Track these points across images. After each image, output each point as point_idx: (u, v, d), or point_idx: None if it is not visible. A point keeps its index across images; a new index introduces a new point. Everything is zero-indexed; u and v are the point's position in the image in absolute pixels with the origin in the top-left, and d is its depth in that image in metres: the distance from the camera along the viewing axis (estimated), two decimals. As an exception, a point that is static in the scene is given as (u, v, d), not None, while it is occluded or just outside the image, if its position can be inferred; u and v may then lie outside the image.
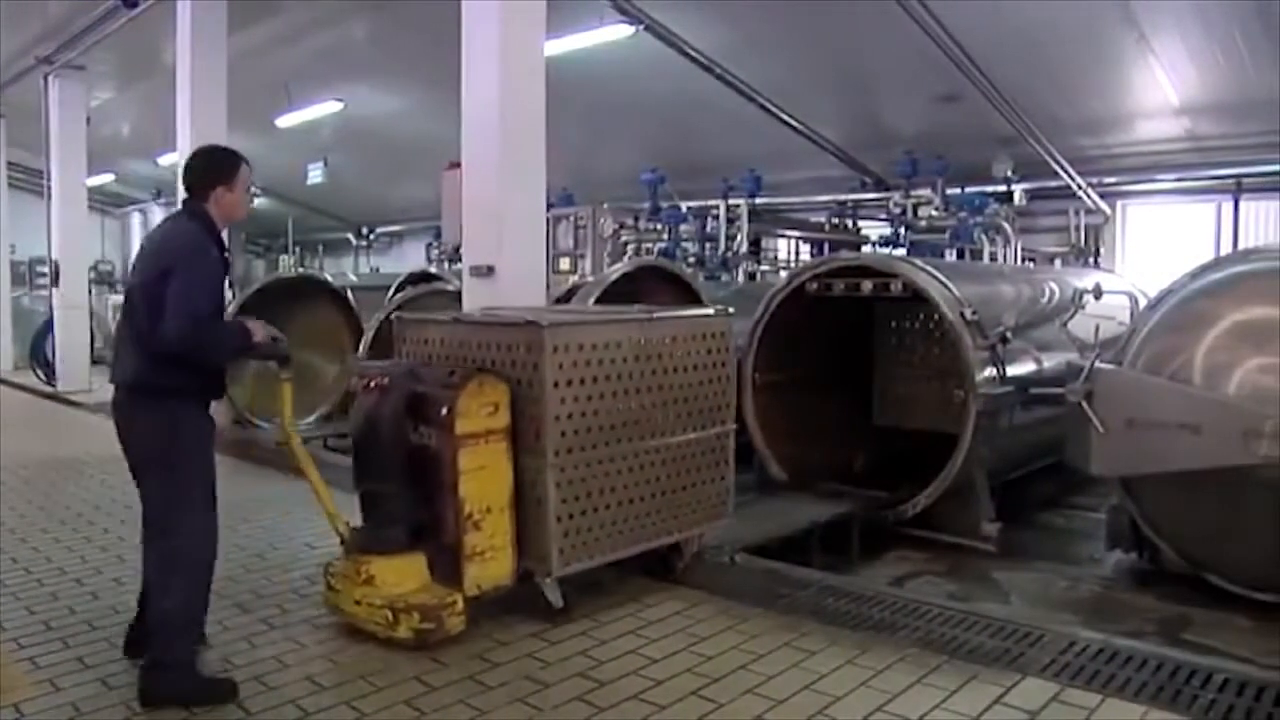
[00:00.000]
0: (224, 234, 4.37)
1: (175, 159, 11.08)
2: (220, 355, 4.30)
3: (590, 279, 7.96)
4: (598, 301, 6.71)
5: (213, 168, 4.25)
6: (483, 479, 4.51)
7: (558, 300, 7.02)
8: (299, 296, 11.29)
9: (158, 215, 22.62)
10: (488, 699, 3.93)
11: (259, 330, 4.24)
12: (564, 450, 4.60)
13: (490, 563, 4.57)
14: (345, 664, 4.28)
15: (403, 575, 4.51)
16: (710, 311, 5.56)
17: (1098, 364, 5.73)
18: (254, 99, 14.88)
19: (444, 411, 4.45)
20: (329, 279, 12.36)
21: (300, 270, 22.39)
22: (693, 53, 12.29)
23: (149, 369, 4.00)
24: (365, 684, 4.06)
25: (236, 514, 6.81)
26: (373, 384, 4.74)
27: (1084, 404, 5.59)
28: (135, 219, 23.83)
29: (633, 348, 4.89)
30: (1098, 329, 6.59)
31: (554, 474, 4.56)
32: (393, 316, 5.90)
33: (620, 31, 11.53)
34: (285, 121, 17.37)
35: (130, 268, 4.20)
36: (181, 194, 4.26)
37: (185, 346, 3.91)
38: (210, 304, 4.06)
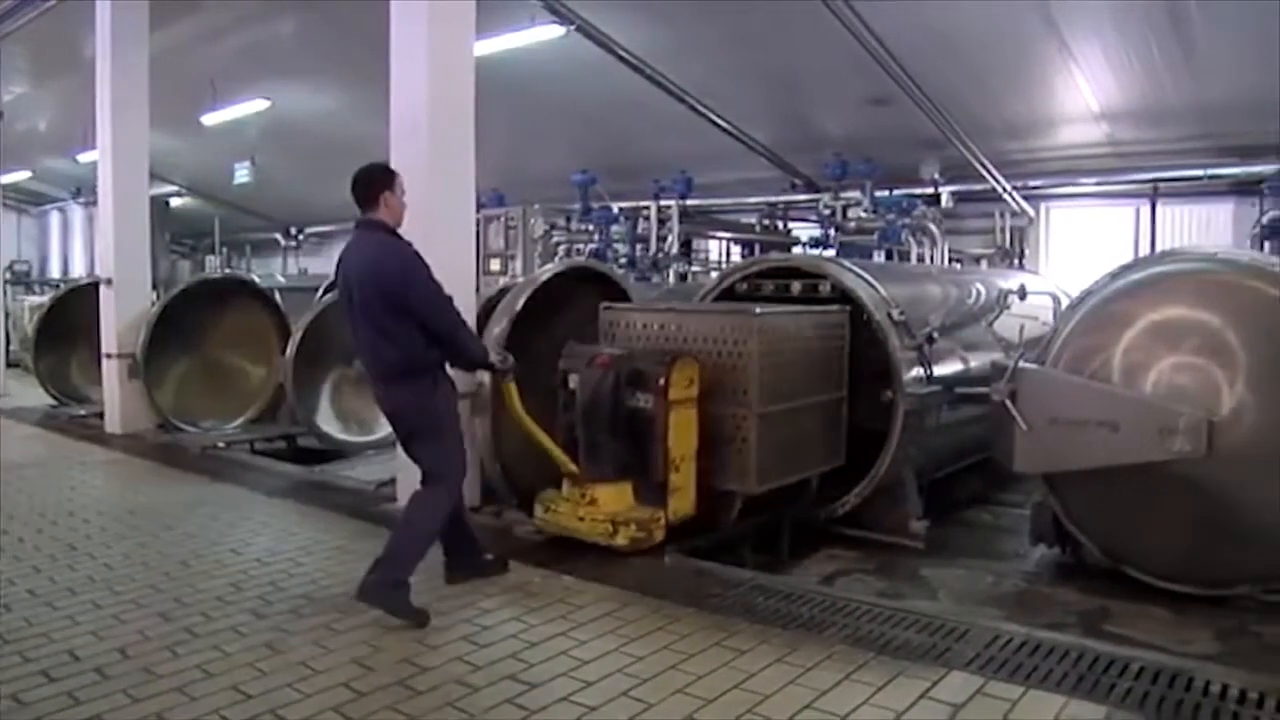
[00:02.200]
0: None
1: (95, 157, 10.83)
2: (469, 345, 5.20)
3: (520, 280, 7.90)
4: (527, 302, 6.67)
5: (374, 179, 5.08)
6: (682, 433, 5.85)
7: (488, 302, 6.96)
8: (225, 298, 11.12)
9: (78, 214, 22.16)
10: (417, 704, 3.88)
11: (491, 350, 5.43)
12: (762, 402, 5.96)
13: (683, 498, 5.90)
14: (271, 672, 4.19)
15: (617, 499, 5.79)
16: (835, 308, 6.83)
17: (1021, 363, 5.83)
18: (178, 96, 14.59)
19: (661, 381, 5.74)
20: (255, 280, 12.16)
21: (227, 271, 22.00)
22: (624, 54, 12.31)
23: (407, 355, 4.91)
24: (292, 691, 3.99)
25: (159, 520, 6.68)
26: (597, 362, 5.88)
27: (1008, 403, 5.69)
28: (54, 218, 23.24)
29: (796, 331, 6.36)
30: (1022, 329, 6.71)
31: (756, 419, 5.94)
32: (605, 306, 6.90)
33: (551, 32, 11.51)
34: (211, 119, 17.04)
35: (345, 280, 5.05)
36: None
37: (454, 331, 4.99)
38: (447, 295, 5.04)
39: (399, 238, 5.06)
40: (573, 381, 5.96)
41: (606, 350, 6.05)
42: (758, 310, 6.12)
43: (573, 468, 5.85)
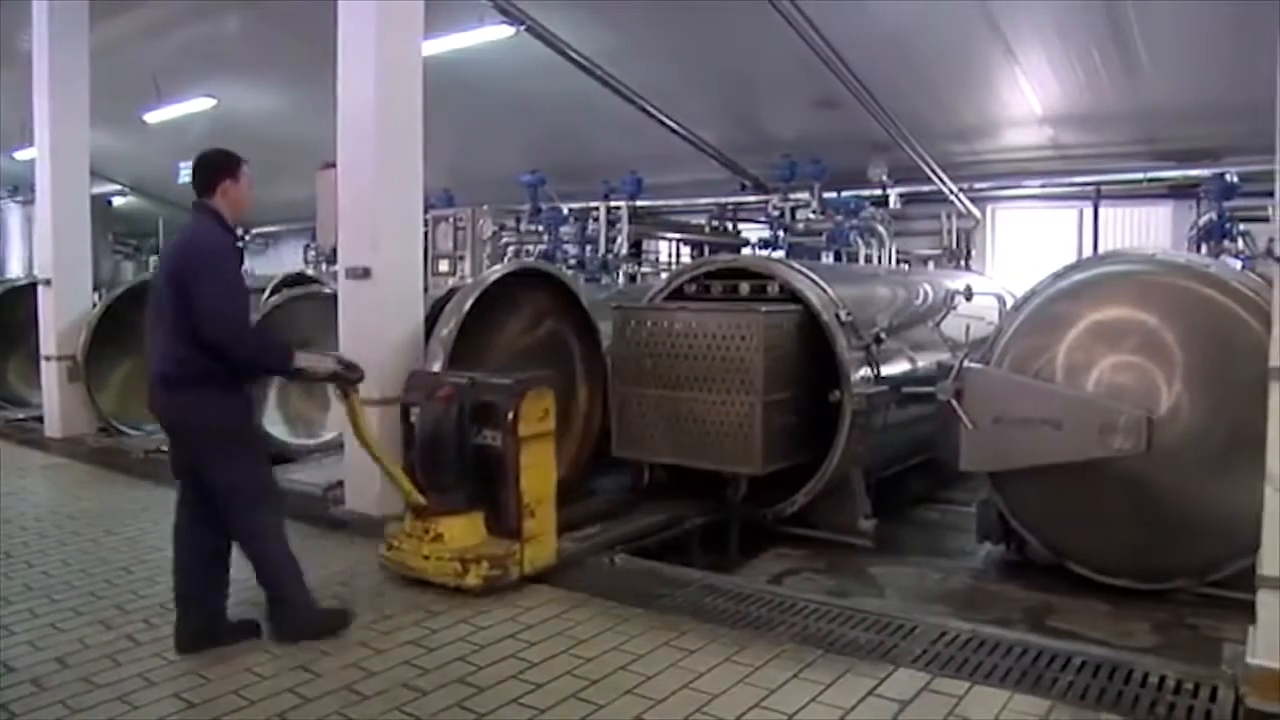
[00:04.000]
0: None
1: (33, 154, 10.58)
2: (256, 360, 4.65)
3: (469, 281, 7.86)
4: (475, 303, 6.64)
5: (214, 164, 4.61)
6: (537, 473, 5.28)
7: (436, 303, 6.92)
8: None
9: (15, 213, 21.58)
10: (365, 709, 3.85)
11: (315, 360, 4.72)
12: (765, 391, 6.34)
13: (541, 546, 5.33)
14: (215, 680, 4.14)
15: (467, 532, 5.17)
16: (793, 309, 6.94)
17: (967, 363, 5.92)
18: (121, 93, 14.31)
19: (509, 415, 5.15)
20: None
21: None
22: (574, 54, 12.26)
23: (187, 360, 4.33)
24: (237, 698, 3.94)
25: (100, 525, 6.57)
26: (439, 394, 5.28)
27: (953, 402, 5.77)
28: (-10, 217, 22.68)
29: (791, 328, 6.71)
30: (968, 329, 6.82)
31: (761, 406, 6.32)
32: (615, 305, 7.20)
33: (501, 32, 11.44)
34: (154, 118, 16.75)
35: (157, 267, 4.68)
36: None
37: (225, 344, 4.30)
38: (243, 299, 4.51)
39: (222, 229, 4.55)
40: (413, 415, 5.42)
41: (450, 380, 5.49)
42: (763, 309, 6.53)
43: (419, 499, 5.23)
